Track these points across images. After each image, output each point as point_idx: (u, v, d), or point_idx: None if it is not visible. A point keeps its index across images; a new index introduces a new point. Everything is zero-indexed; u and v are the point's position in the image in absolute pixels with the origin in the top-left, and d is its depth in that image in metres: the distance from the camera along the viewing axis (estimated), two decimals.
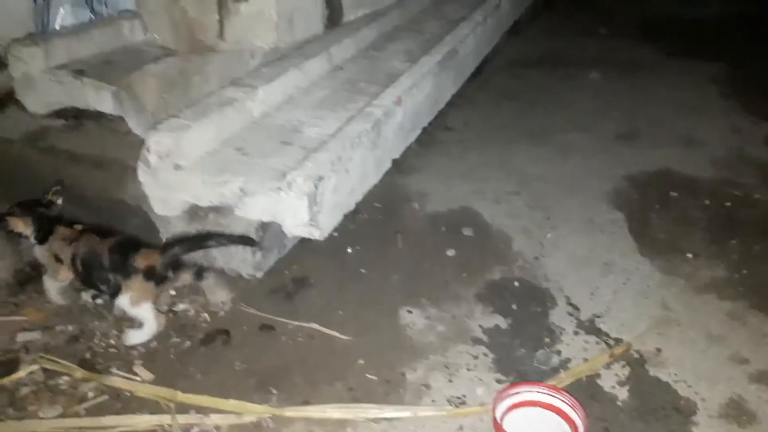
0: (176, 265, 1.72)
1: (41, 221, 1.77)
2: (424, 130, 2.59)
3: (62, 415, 1.48)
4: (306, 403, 1.55)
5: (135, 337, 1.70)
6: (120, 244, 1.70)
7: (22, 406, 1.50)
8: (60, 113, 2.17)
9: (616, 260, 2.10)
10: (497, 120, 3.09)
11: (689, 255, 2.13)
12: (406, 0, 2.89)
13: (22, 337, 1.70)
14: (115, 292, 1.68)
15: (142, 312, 1.68)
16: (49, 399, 1.52)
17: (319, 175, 1.63)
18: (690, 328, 1.82)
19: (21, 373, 1.58)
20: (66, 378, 1.58)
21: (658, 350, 1.74)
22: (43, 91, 2.08)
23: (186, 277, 1.76)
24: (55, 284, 1.81)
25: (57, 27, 2.35)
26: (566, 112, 3.19)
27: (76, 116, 2.17)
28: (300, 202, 1.62)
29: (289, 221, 1.67)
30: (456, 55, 2.60)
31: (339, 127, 1.86)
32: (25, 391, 1.54)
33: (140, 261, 1.66)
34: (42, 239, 1.77)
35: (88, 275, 1.72)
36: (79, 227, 1.77)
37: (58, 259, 1.75)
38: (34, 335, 1.71)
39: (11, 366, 1.61)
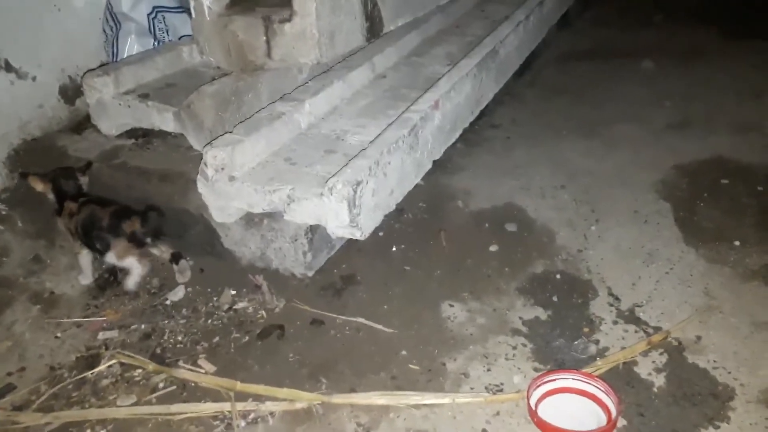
0: (156, 236, 2.03)
1: (58, 192, 2.08)
2: (471, 128, 2.65)
3: (136, 403, 1.65)
4: (352, 390, 1.67)
5: (128, 283, 2.04)
6: (117, 211, 2.00)
7: (102, 395, 1.69)
8: (130, 133, 2.39)
9: (660, 250, 2.11)
10: (545, 115, 3.11)
11: (736, 243, 2.10)
12: (448, 5, 2.96)
13: (102, 336, 1.90)
14: (106, 249, 2.00)
15: (126, 263, 2.01)
16: (126, 389, 1.70)
17: (357, 179, 1.74)
18: (733, 316, 1.81)
19: (102, 367, 1.77)
20: (140, 371, 1.76)
21: (698, 338, 1.75)
22: (114, 114, 2.30)
23: (164, 250, 2.07)
24: (85, 260, 2.10)
25: (125, 55, 2.58)
26: (616, 103, 3.16)
27: (144, 135, 2.39)
28: (340, 205, 1.73)
29: (332, 223, 1.80)
30: (497, 56, 2.66)
31: (378, 134, 1.97)
32: (105, 382, 1.73)
33: (126, 226, 1.98)
34: (59, 212, 2.08)
35: (87, 236, 2.01)
36: (82, 200, 2.07)
37: (71, 232, 2.06)
38: (113, 333, 1.90)
39: (93, 361, 1.80)
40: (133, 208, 2.03)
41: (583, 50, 3.86)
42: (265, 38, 2.12)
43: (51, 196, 2.10)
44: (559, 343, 1.78)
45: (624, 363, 1.68)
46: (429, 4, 2.76)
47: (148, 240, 2.02)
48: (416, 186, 2.21)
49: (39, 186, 2.10)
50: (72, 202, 2.05)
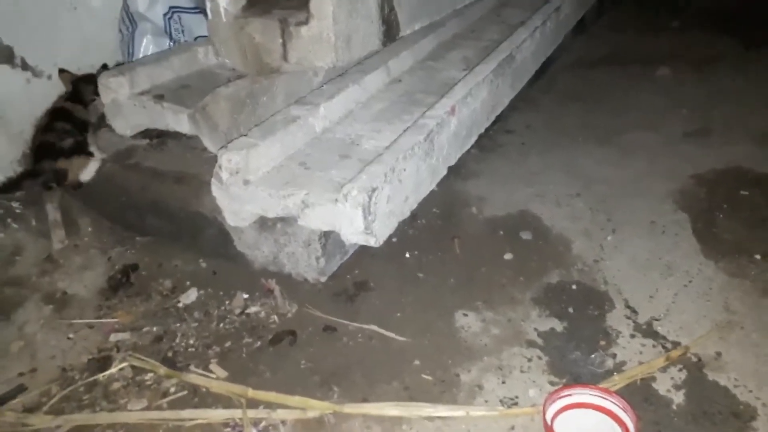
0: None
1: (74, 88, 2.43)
2: (485, 134, 2.63)
3: (147, 408, 1.64)
4: (365, 400, 1.64)
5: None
6: (42, 143, 2.31)
7: (113, 399, 1.68)
8: (145, 133, 2.38)
9: (678, 262, 2.07)
10: (560, 122, 3.08)
11: (757, 256, 2.07)
12: (465, 9, 2.94)
13: (114, 338, 1.88)
14: None
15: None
16: (137, 393, 1.69)
17: (373, 186, 1.72)
18: (754, 331, 1.78)
19: (113, 370, 1.76)
20: (151, 374, 1.74)
21: (718, 354, 1.71)
22: (129, 115, 2.29)
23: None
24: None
25: (141, 55, 2.58)
26: (633, 111, 3.12)
27: (159, 136, 2.37)
28: (355, 212, 1.72)
29: (346, 230, 1.78)
30: (513, 61, 2.63)
31: (393, 140, 1.95)
32: (116, 385, 1.72)
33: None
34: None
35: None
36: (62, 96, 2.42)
37: None
38: (125, 336, 1.89)
39: (105, 363, 1.79)
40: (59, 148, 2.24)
41: (599, 56, 3.82)
42: (281, 41, 2.10)
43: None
44: (575, 356, 1.75)
45: (642, 378, 1.65)
46: (445, 8, 2.74)
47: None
48: (430, 192, 2.19)
49: (66, 83, 2.42)
50: (67, 103, 2.34)
